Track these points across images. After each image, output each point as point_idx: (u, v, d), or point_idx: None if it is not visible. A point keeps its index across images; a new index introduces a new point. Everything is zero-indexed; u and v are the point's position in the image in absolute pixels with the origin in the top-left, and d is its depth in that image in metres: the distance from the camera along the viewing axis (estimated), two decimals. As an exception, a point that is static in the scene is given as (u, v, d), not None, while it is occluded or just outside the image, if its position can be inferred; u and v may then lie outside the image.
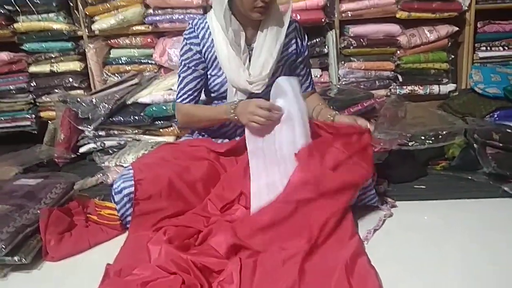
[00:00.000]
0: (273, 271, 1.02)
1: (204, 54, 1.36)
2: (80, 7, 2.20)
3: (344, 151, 1.20)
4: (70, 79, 2.23)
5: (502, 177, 1.45)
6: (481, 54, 2.19)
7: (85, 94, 2.18)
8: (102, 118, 1.95)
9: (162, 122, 2.02)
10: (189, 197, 1.28)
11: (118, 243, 1.23)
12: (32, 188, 1.39)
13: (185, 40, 1.37)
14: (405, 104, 1.94)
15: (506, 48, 2.18)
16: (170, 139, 2.01)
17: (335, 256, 1.04)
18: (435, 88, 2.20)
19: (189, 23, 1.39)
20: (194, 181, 1.29)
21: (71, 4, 2.23)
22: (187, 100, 1.40)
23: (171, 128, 2.03)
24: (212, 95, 1.42)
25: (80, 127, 2.01)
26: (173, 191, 1.26)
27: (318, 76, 2.19)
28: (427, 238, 1.18)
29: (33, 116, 2.29)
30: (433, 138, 1.60)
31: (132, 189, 1.24)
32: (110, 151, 1.99)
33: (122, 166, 1.74)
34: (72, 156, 2.00)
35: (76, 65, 2.24)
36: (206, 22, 1.36)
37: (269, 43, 1.32)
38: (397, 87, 2.21)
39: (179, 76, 1.40)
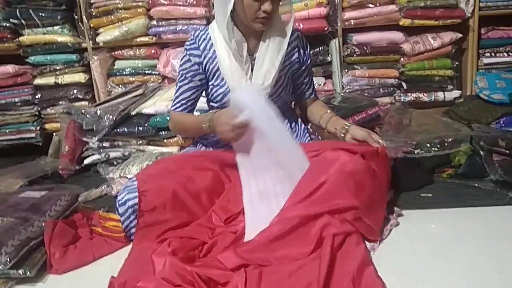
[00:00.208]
0: (278, 283, 1.01)
1: (206, 65, 1.37)
2: (85, 19, 2.22)
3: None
4: (75, 91, 2.25)
5: (509, 184, 1.43)
6: (485, 60, 2.18)
7: (90, 106, 2.19)
8: (107, 129, 1.96)
9: (166, 132, 2.02)
10: (194, 208, 1.27)
11: (122, 255, 1.22)
12: (37, 200, 1.39)
13: (185, 51, 1.38)
14: (410, 112, 1.93)
15: (511, 54, 2.17)
16: (174, 149, 2.01)
17: (341, 267, 1.02)
18: (440, 95, 2.19)
19: (191, 34, 1.40)
20: (198, 192, 1.28)
21: (76, 17, 2.25)
22: (180, 108, 1.41)
23: (175, 139, 2.03)
24: (215, 105, 1.42)
25: (84, 139, 2.01)
26: (177, 202, 1.25)
27: (322, 84, 2.19)
28: (435, 247, 1.16)
29: (38, 128, 2.31)
30: (438, 146, 1.59)
31: (137, 200, 1.23)
32: (115, 162, 1.99)
33: (126, 177, 1.74)
34: (77, 167, 2.00)
35: (80, 77, 2.26)
36: (208, 33, 1.37)
37: (271, 53, 1.33)
38: (401, 94, 2.20)
39: (177, 85, 1.42)
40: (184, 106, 1.41)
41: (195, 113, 1.49)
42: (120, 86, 2.30)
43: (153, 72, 2.28)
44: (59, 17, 2.20)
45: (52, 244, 1.22)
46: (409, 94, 2.19)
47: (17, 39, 2.25)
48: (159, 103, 2.07)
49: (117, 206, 1.28)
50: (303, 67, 1.44)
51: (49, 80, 2.27)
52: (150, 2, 2.17)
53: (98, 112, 1.97)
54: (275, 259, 1.08)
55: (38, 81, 2.28)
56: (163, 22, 2.20)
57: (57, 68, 2.26)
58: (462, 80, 2.25)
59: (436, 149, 1.59)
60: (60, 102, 2.25)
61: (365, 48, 2.15)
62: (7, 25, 2.23)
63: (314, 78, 1.55)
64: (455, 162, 1.61)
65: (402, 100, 2.18)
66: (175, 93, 1.42)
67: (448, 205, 1.39)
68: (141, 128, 1.99)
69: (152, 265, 1.09)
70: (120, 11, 2.19)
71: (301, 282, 0.98)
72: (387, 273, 1.02)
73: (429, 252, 1.14)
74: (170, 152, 1.98)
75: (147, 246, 1.19)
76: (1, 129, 2.31)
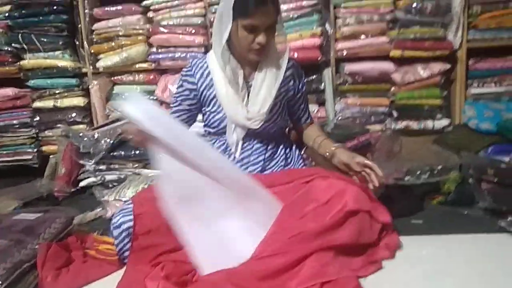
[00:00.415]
0: None
1: (202, 92, 1.41)
2: (86, 45, 2.28)
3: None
4: (73, 114, 2.28)
5: (498, 212, 1.46)
6: (473, 91, 2.23)
7: (87, 129, 2.22)
8: (104, 153, 1.98)
9: (162, 156, 2.04)
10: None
11: (115, 278, 1.22)
12: (31, 222, 1.40)
13: (181, 76, 1.45)
14: (400, 139, 1.97)
15: (498, 84, 2.22)
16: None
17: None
18: (429, 123, 2.23)
19: (189, 62, 1.46)
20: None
21: (77, 42, 2.31)
22: None
23: (171, 162, 2.05)
24: (212, 130, 1.46)
25: (81, 161, 2.03)
26: (172, 226, 1.26)
27: (315, 111, 2.24)
28: (426, 273, 1.17)
29: (35, 150, 2.33)
30: (428, 173, 1.63)
31: (131, 223, 1.24)
32: (110, 185, 2.01)
33: (121, 200, 1.75)
34: (72, 190, 2.01)
35: (79, 101, 2.30)
36: (206, 62, 1.42)
37: (268, 82, 1.37)
38: (392, 122, 2.25)
39: (170, 107, 1.49)
40: None
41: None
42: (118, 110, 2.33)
43: (151, 97, 2.32)
44: (60, 42, 2.25)
45: (44, 267, 1.22)
46: (399, 122, 2.24)
47: (18, 63, 2.30)
48: (156, 127, 2.10)
49: (112, 228, 1.28)
50: (299, 94, 1.49)
51: (48, 103, 2.30)
52: (151, 30, 2.24)
53: (96, 135, 2.00)
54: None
55: (37, 104, 2.31)
56: (162, 50, 2.26)
57: (57, 91, 2.30)
58: (451, 109, 2.30)
59: (426, 176, 1.62)
60: (58, 125, 2.28)
61: (357, 77, 2.21)
62: (9, 49, 2.28)
63: (307, 105, 1.60)
64: (444, 189, 1.64)
65: (392, 127, 2.23)
66: None
67: (439, 232, 1.41)
68: (137, 152, 2.02)
69: (145, 289, 1.09)
70: (121, 38, 2.25)
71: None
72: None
73: (421, 277, 1.16)
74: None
75: (141, 269, 1.19)
76: (-2, 151, 2.32)
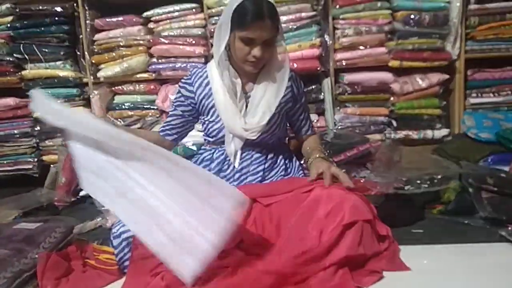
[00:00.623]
0: None
1: (201, 101, 1.43)
2: (87, 56, 2.30)
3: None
4: (74, 124, 2.28)
5: (498, 221, 1.46)
6: (472, 101, 2.25)
7: (88, 138, 2.22)
8: (104, 162, 1.98)
9: (162, 165, 2.04)
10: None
11: (115, 288, 1.22)
12: (32, 232, 1.39)
13: (180, 83, 1.48)
14: (400, 149, 1.98)
15: (497, 94, 2.25)
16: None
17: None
18: (429, 133, 2.25)
19: (190, 71, 1.48)
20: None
21: (78, 53, 2.33)
22: (163, 133, 1.50)
23: (171, 172, 2.05)
24: (211, 140, 1.47)
25: (81, 171, 2.03)
26: None
27: (315, 121, 2.26)
28: (427, 283, 1.17)
29: (36, 159, 2.33)
30: (428, 182, 1.62)
31: (131, 233, 1.24)
32: (110, 195, 2.00)
33: (122, 209, 1.74)
34: (72, 199, 2.01)
35: (80, 111, 2.30)
36: (206, 71, 1.44)
37: (268, 96, 1.38)
38: (391, 131, 2.26)
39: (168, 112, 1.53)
40: (166, 130, 1.50)
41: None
42: (119, 119, 2.35)
43: (151, 107, 2.34)
44: (61, 53, 2.27)
45: (44, 277, 1.21)
46: (399, 131, 2.25)
47: (19, 73, 2.31)
48: (156, 137, 2.11)
49: (112, 238, 1.28)
50: (298, 105, 1.50)
51: (49, 113, 2.31)
52: (151, 40, 2.26)
53: (96, 145, 2.00)
54: None
55: (38, 114, 2.32)
56: (163, 60, 2.28)
57: (58, 101, 2.31)
58: (450, 119, 2.32)
59: (426, 186, 1.62)
60: (59, 135, 2.28)
61: (356, 87, 2.23)
62: (11, 59, 2.30)
63: (307, 115, 1.60)
64: (444, 199, 1.64)
65: (392, 137, 2.24)
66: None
67: (439, 241, 1.41)
68: (137, 161, 2.02)
69: (145, 299, 1.09)
70: (122, 48, 2.27)
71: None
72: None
73: (422, 287, 1.15)
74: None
75: (141, 279, 1.19)
76: (-2, 160, 2.33)
